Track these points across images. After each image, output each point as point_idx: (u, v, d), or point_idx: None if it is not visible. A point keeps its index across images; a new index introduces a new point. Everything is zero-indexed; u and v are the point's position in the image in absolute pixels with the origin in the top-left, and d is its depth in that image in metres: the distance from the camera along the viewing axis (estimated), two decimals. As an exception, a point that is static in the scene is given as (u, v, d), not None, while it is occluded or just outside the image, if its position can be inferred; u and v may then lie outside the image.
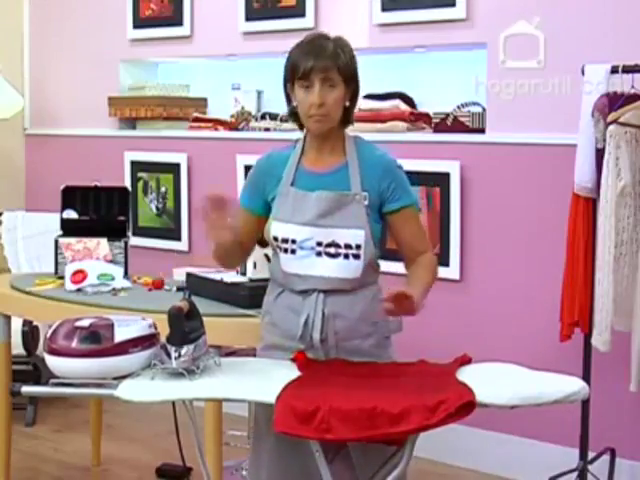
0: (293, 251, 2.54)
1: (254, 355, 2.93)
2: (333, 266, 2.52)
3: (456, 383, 2.29)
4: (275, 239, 2.57)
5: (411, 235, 2.59)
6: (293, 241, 2.53)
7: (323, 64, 2.48)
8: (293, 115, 2.62)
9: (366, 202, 2.53)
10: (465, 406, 2.17)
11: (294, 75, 2.53)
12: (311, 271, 2.53)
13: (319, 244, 2.52)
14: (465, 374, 2.42)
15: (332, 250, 2.52)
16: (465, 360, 2.48)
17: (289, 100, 2.62)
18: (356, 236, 2.52)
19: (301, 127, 2.63)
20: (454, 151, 4.09)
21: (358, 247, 2.52)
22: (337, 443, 2.41)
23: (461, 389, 2.23)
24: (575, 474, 3.54)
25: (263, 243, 3.21)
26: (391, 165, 2.60)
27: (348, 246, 2.52)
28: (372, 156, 2.59)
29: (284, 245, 2.54)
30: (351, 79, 2.55)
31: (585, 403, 3.46)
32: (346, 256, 2.52)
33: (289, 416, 2.20)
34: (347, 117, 2.60)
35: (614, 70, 3.34)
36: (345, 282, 2.54)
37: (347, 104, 2.57)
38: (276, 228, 2.56)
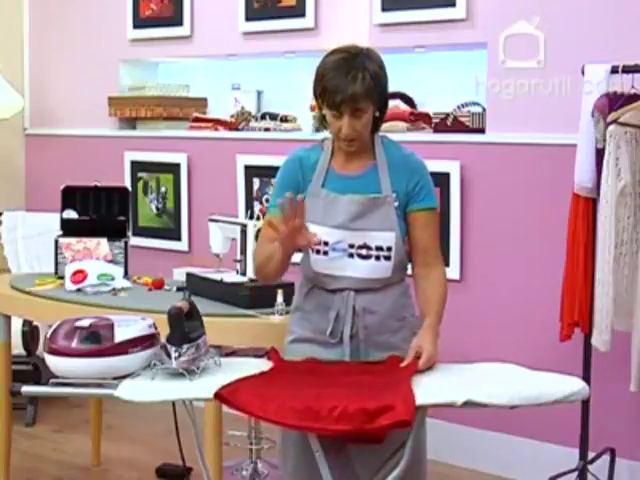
0: (325, 253, 2.56)
1: (254, 355, 2.94)
2: (365, 267, 2.56)
3: (407, 388, 2.28)
4: None
5: (427, 240, 2.61)
6: (325, 243, 2.55)
7: (352, 97, 2.46)
8: (324, 118, 2.59)
9: (396, 203, 2.56)
10: (401, 422, 2.16)
11: (323, 99, 2.52)
12: (343, 272, 2.56)
13: (351, 246, 2.55)
14: (466, 374, 2.42)
15: (364, 252, 2.55)
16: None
17: (320, 107, 2.60)
18: (387, 238, 2.55)
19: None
20: (454, 151, 4.09)
21: (389, 249, 2.56)
22: (337, 444, 2.41)
23: (407, 400, 2.21)
24: (575, 474, 3.53)
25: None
26: (419, 165, 2.63)
27: (379, 248, 2.55)
28: (400, 156, 2.62)
29: (316, 247, 2.55)
30: (380, 99, 2.55)
31: (585, 403, 3.46)
32: (377, 258, 2.56)
33: (234, 392, 2.27)
34: (376, 125, 2.60)
35: (614, 70, 3.34)
36: (376, 281, 2.58)
37: (376, 114, 2.57)
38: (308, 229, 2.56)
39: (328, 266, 2.57)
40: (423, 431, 2.59)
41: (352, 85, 2.46)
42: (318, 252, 2.57)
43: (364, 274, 2.56)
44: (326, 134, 2.69)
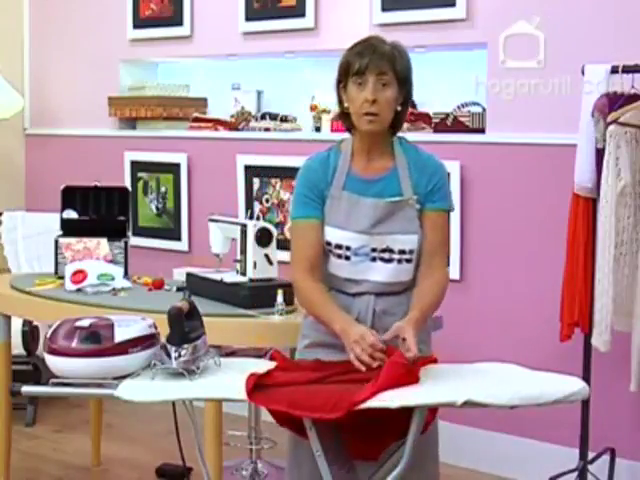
0: (347, 257, 2.54)
1: (254, 355, 2.94)
2: (387, 271, 2.55)
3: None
4: (328, 244, 2.56)
5: (435, 241, 2.58)
6: (348, 248, 2.54)
7: (379, 62, 2.48)
8: (343, 116, 2.60)
9: (418, 206, 2.55)
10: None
11: (348, 72, 2.51)
12: (365, 276, 2.55)
13: (374, 250, 2.54)
14: (466, 374, 2.42)
15: (386, 255, 2.54)
16: (431, 360, 2.48)
17: (340, 101, 2.60)
18: (410, 241, 2.54)
19: (349, 130, 2.61)
20: (454, 151, 4.08)
21: (411, 252, 2.55)
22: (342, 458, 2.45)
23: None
24: (575, 474, 3.54)
25: (263, 243, 3.22)
26: (438, 167, 2.61)
27: (402, 251, 2.55)
28: (420, 158, 2.60)
29: (338, 251, 2.54)
30: (405, 82, 2.54)
31: (585, 403, 3.46)
32: (399, 261, 2.55)
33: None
34: (397, 122, 2.58)
35: (614, 70, 3.35)
36: (397, 285, 2.57)
37: (399, 108, 2.56)
38: (330, 233, 2.55)
39: (350, 270, 2.55)
40: (434, 431, 2.58)
41: (378, 51, 2.49)
42: (340, 257, 2.55)
43: (386, 278, 2.55)
44: (344, 135, 2.65)
